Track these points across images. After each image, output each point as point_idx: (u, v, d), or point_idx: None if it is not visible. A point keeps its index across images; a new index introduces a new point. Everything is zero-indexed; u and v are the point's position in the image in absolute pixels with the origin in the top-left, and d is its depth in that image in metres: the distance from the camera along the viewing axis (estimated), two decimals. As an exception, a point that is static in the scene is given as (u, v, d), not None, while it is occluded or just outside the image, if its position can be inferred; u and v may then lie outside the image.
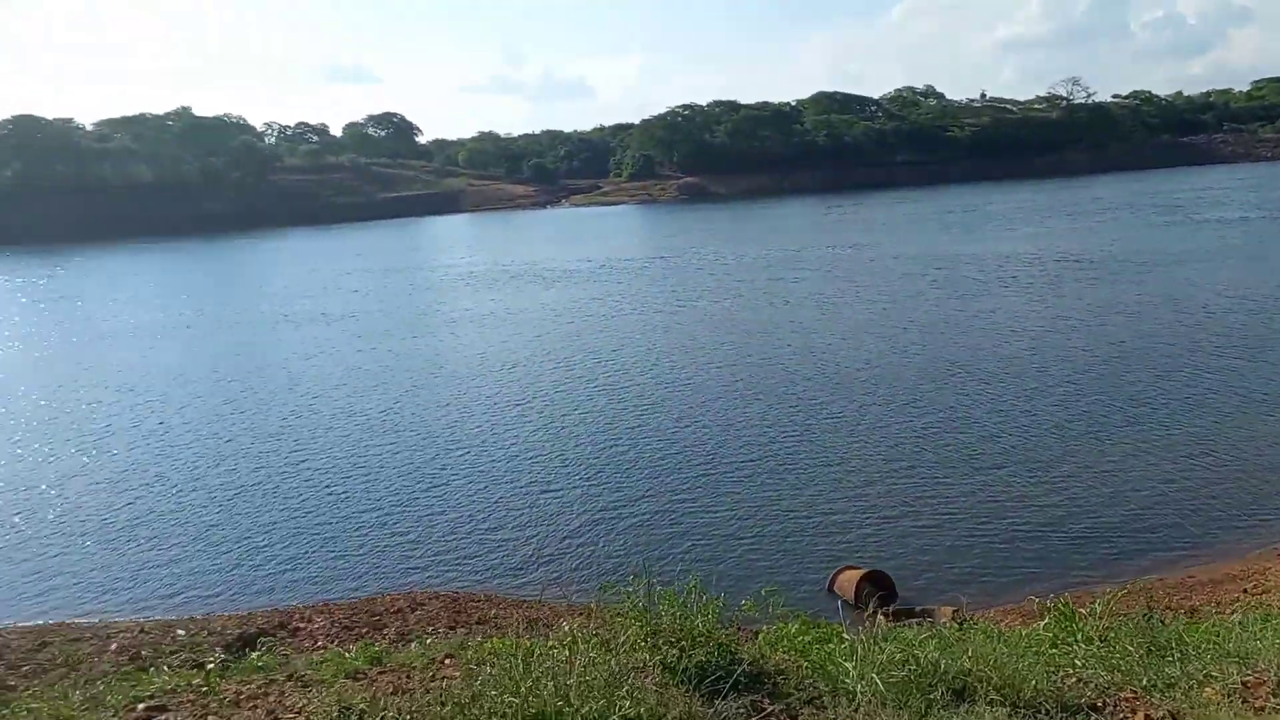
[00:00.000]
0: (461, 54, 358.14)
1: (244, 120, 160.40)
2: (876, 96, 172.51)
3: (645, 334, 38.85)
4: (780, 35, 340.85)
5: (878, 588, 14.51)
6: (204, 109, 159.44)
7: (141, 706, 8.64)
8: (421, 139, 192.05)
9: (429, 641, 10.88)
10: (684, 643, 7.14)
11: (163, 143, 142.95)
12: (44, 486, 22.83)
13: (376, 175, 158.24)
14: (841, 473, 20.83)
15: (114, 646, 12.12)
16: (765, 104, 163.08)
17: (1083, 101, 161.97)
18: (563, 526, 18.56)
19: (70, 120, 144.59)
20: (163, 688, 9.44)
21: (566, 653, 6.82)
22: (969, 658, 6.53)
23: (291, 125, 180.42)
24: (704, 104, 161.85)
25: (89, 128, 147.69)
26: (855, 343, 34.34)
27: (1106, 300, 39.45)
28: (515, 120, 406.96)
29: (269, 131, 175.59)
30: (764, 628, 10.84)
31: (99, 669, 10.20)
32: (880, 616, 12.22)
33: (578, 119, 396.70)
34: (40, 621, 14.88)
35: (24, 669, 11.03)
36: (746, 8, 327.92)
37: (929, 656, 6.39)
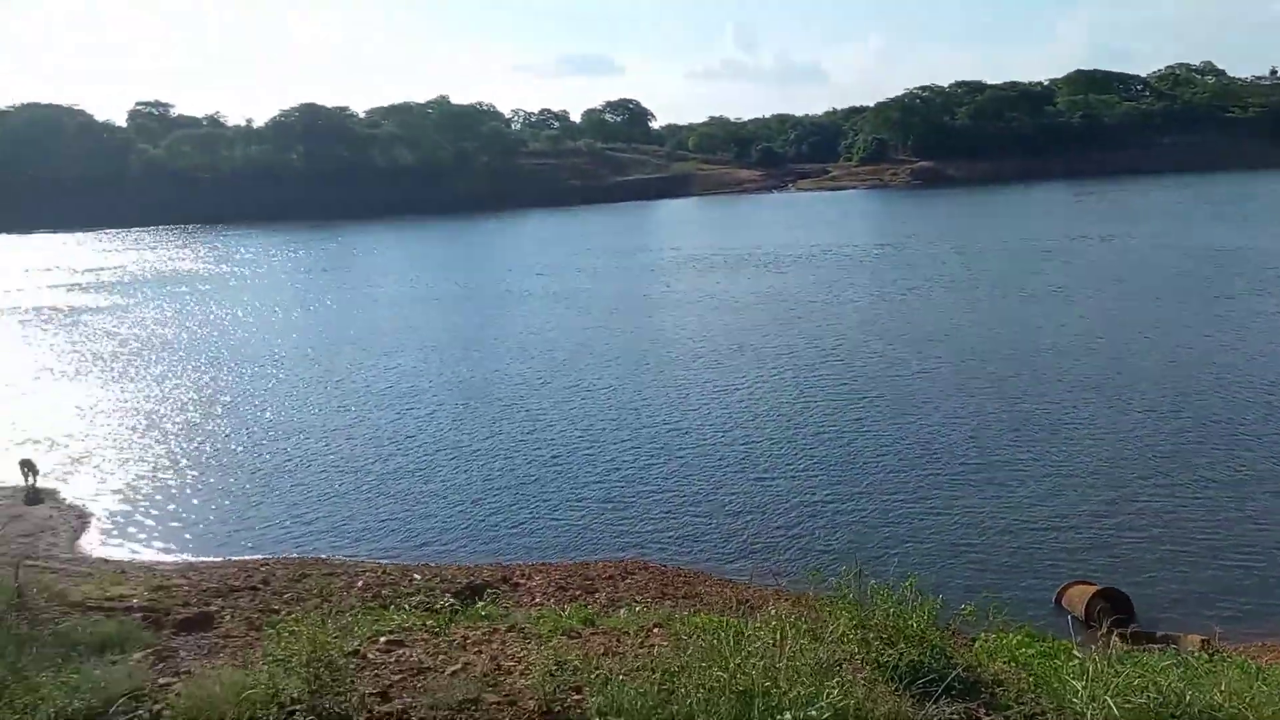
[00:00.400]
0: (696, 41, 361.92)
1: (494, 108, 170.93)
2: (1143, 75, 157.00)
3: (870, 323, 37.69)
4: (1034, 11, 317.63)
5: (1113, 606, 13.34)
6: (460, 99, 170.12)
7: (383, 639, 9.52)
8: (654, 124, 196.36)
9: (638, 609, 11.19)
10: (896, 640, 6.91)
11: (423, 129, 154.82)
12: (310, 437, 25.55)
13: (610, 159, 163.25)
14: (1081, 481, 19.30)
15: (360, 584, 13.43)
16: (1013, 84, 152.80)
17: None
18: (776, 513, 18.46)
19: (346, 108, 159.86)
20: (401, 625, 10.34)
21: (775, 636, 6.78)
22: (1221, 692, 5.88)
23: (536, 112, 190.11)
24: (944, 85, 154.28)
25: (361, 115, 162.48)
26: (1107, 343, 31.57)
27: None
28: (746, 105, 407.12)
29: (515, 118, 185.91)
30: (982, 635, 10.28)
31: (347, 602, 11.32)
32: (1115, 637, 11.23)
33: (809, 103, 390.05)
34: (299, 555, 16.78)
35: (286, 596, 12.45)
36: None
37: (1172, 686, 5.81)
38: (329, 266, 72.69)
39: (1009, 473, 19.99)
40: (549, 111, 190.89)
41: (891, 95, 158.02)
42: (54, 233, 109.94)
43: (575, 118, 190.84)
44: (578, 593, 12.91)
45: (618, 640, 9.41)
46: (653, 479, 20.80)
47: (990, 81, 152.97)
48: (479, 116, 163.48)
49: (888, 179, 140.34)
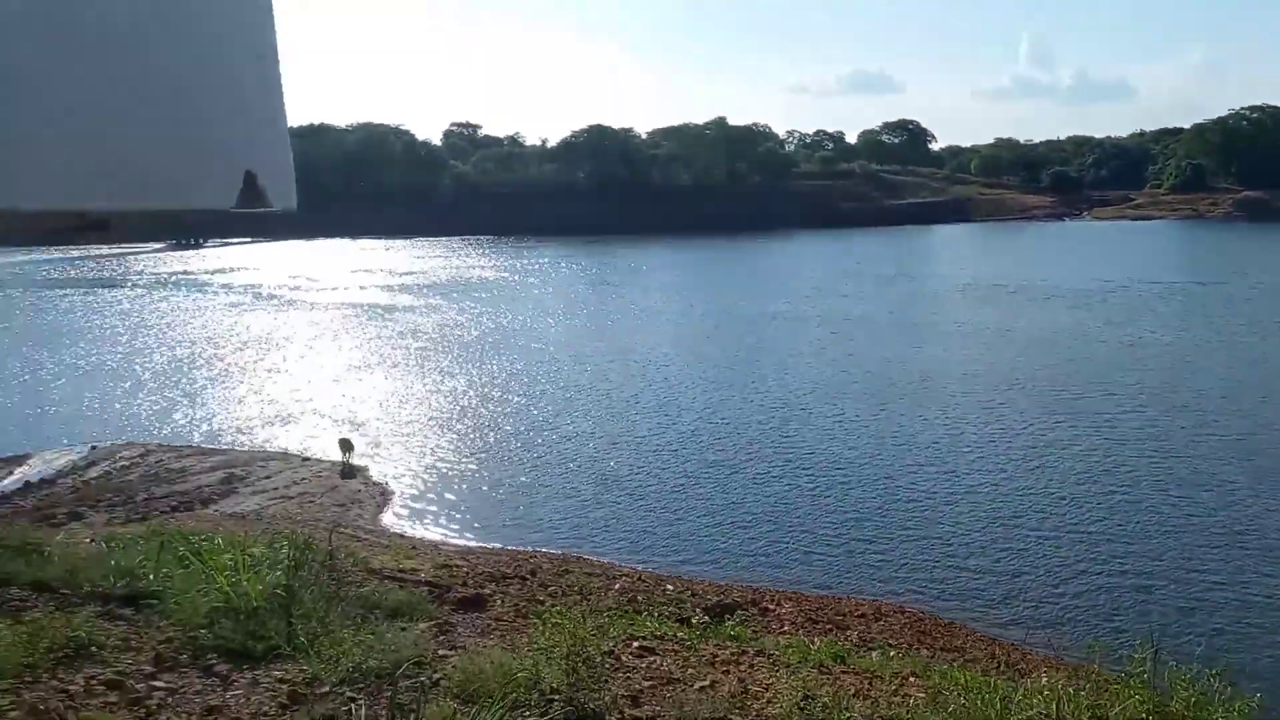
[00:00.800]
0: (985, 58, 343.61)
1: (769, 129, 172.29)
2: None
3: (1184, 369, 33.86)
4: None
5: None
6: (737, 120, 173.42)
7: (635, 645, 9.87)
8: (934, 145, 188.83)
9: (893, 654, 10.79)
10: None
11: (700, 149, 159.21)
12: (580, 441, 27.06)
13: (885, 181, 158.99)
14: None
15: (617, 586, 14.00)
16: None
17: None
18: (1057, 571, 17.00)
19: (630, 129, 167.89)
20: (653, 632, 10.67)
21: (1050, 707, 6.27)
22: None
23: (810, 133, 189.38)
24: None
25: (643, 136, 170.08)
26: None
27: None
28: (1037, 126, 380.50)
29: (790, 139, 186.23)
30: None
31: (604, 602, 11.85)
32: None
33: (1111, 124, 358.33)
34: (563, 552, 17.80)
35: (550, 588, 13.24)
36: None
37: None
38: (607, 280, 76.57)
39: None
40: (824, 132, 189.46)
41: (1213, 116, 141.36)
42: (377, 239, 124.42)
43: (851, 139, 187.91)
44: (828, 627, 12.65)
45: (870, 683, 9.13)
46: (914, 519, 19.94)
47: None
48: (754, 137, 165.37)
49: (1204, 210, 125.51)
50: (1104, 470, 22.69)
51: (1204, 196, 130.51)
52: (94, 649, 7.43)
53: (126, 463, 23.41)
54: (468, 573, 13.97)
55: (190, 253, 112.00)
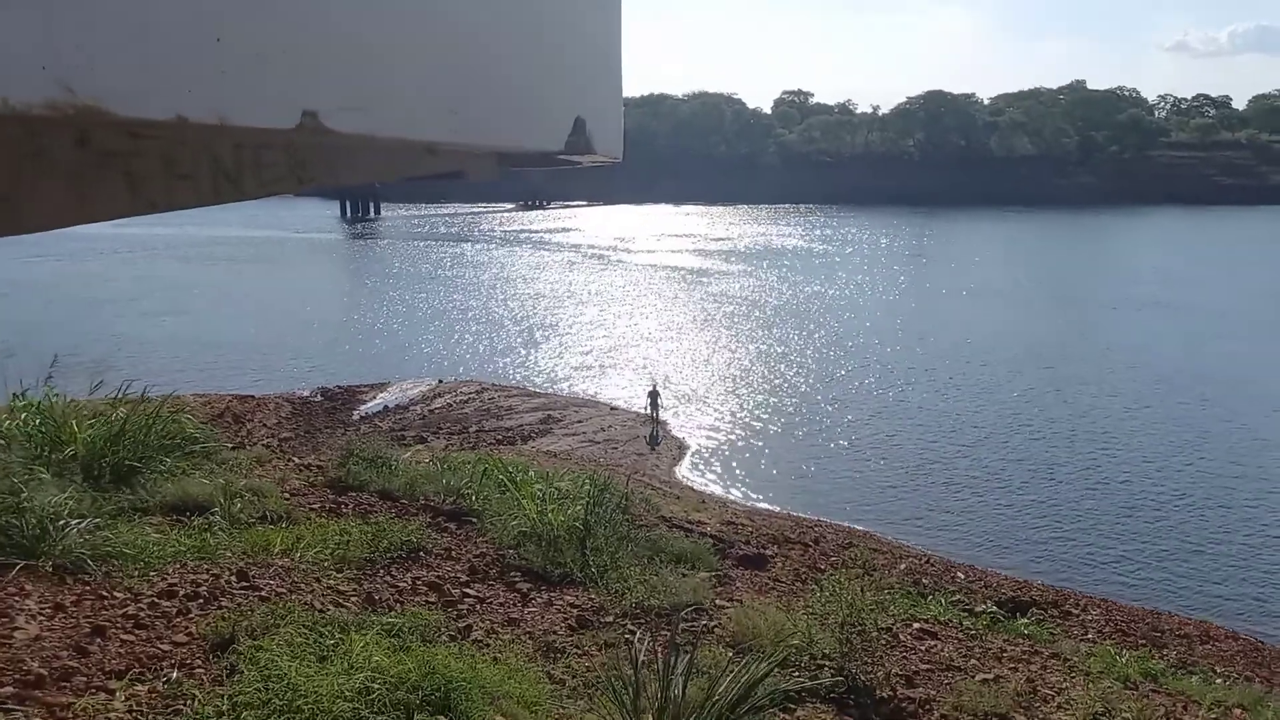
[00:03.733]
0: None
1: (1136, 93, 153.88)
2: None
3: None
4: None
5: None
6: (1099, 83, 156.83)
7: (916, 626, 9.52)
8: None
9: (1217, 682, 9.47)
10: None
11: (1049, 117, 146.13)
12: (880, 416, 26.37)
13: (1277, 155, 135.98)
14: None
15: (902, 566, 13.53)
16: None
17: None
18: None
19: (971, 95, 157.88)
20: (936, 617, 10.22)
21: None
22: None
23: (1189, 98, 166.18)
24: None
25: (986, 102, 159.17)
26: None
27: None
28: None
29: (1161, 104, 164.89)
30: None
31: (887, 580, 11.49)
32: None
33: None
34: (850, 525, 17.52)
35: (832, 559, 13.11)
36: None
37: None
38: (926, 252, 73.24)
39: None
40: (1205, 97, 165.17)
41: None
42: (701, 205, 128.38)
43: (1240, 105, 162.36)
44: (1141, 641, 11.33)
45: (1184, 708, 8.12)
46: (1264, 534, 17.26)
47: None
48: (1116, 103, 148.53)
49: None
50: None
51: None
52: (422, 554, 8.51)
53: (465, 397, 26.37)
54: (751, 531, 14.20)
55: (536, 213, 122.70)
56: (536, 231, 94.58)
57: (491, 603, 8.07)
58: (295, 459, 12.74)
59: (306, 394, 26.06)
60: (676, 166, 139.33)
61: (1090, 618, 12.47)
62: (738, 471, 21.66)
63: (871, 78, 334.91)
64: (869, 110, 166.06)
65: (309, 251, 76.44)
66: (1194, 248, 71.37)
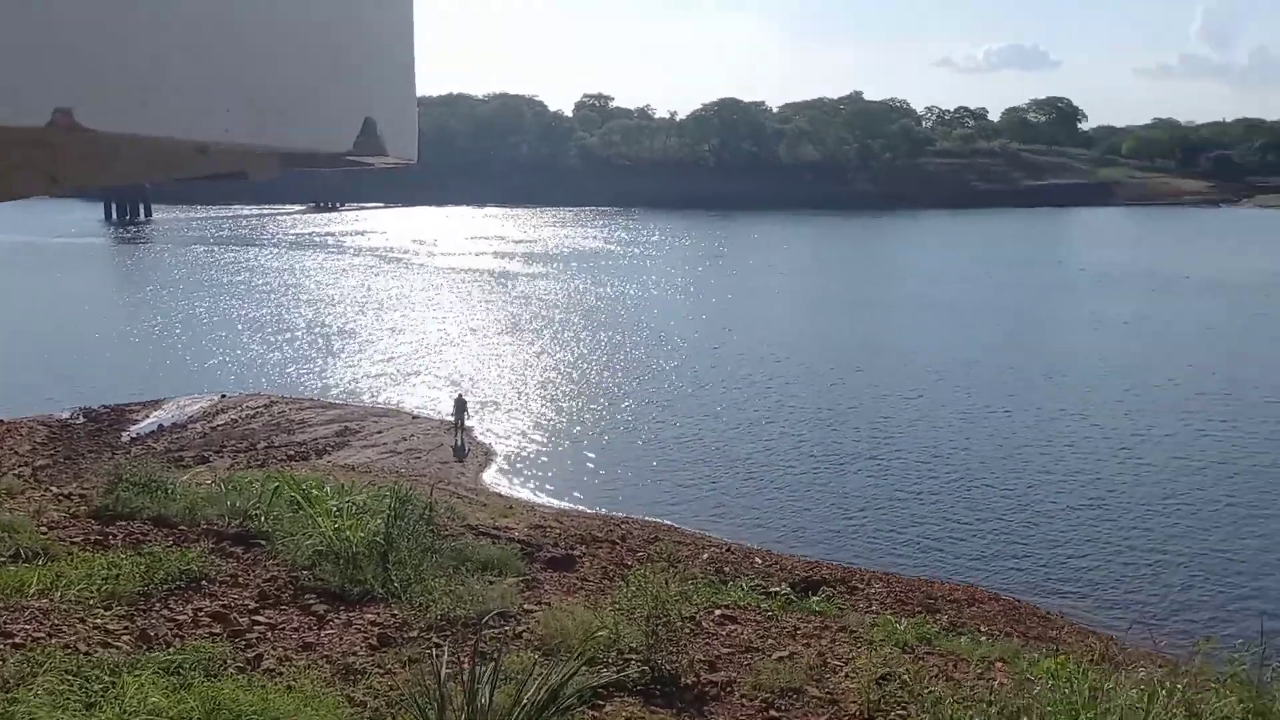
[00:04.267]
0: (1152, 34, 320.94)
1: (907, 104, 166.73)
2: None
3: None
4: None
5: None
6: (875, 95, 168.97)
7: (718, 613, 9.91)
8: (1084, 125, 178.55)
9: (982, 640, 10.47)
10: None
11: (831, 125, 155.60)
12: (680, 413, 27.22)
13: (1026, 162, 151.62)
14: None
15: (705, 556, 14.06)
16: None
17: None
18: (1164, 563, 16.24)
19: (761, 103, 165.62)
20: (736, 602, 10.67)
21: (1142, 700, 5.94)
22: None
23: (951, 110, 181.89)
24: None
25: (775, 110, 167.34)
26: None
27: None
28: (1205, 107, 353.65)
29: (928, 116, 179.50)
30: None
31: (691, 570, 11.90)
32: None
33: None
34: (655, 520, 17.99)
35: (638, 554, 13.41)
36: None
37: None
38: (723, 254, 76.15)
39: None
40: (965, 109, 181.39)
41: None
42: (503, 207, 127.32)
43: (994, 117, 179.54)
44: (917, 609, 12.36)
45: (954, 665, 8.91)
46: (1019, 508, 19.25)
47: None
48: (889, 114, 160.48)
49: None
50: (1227, 467, 21.28)
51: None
52: (204, 583, 7.96)
53: (251, 412, 24.85)
54: (560, 533, 14.28)
55: (328, 215, 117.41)
56: (330, 234, 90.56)
57: (284, 628, 7.69)
58: (53, 489, 11.62)
59: (66, 416, 23.72)
60: (477, 167, 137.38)
61: (874, 591, 13.44)
62: (546, 475, 21.71)
63: (669, 83, 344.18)
64: (667, 116, 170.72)
65: (68, 258, 69.36)
66: (959, 247, 78.28)
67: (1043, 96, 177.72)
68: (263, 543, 9.43)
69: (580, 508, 18.95)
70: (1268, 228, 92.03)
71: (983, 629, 11.47)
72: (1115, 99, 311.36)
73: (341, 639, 7.55)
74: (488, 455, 22.72)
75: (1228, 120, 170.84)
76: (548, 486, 20.85)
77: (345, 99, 1.22)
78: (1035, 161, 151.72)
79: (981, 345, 36.55)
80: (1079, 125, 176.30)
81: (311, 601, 8.21)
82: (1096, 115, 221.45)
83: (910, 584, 14.31)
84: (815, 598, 11.79)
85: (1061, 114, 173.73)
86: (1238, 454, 22.27)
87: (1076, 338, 38.25)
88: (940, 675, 8.33)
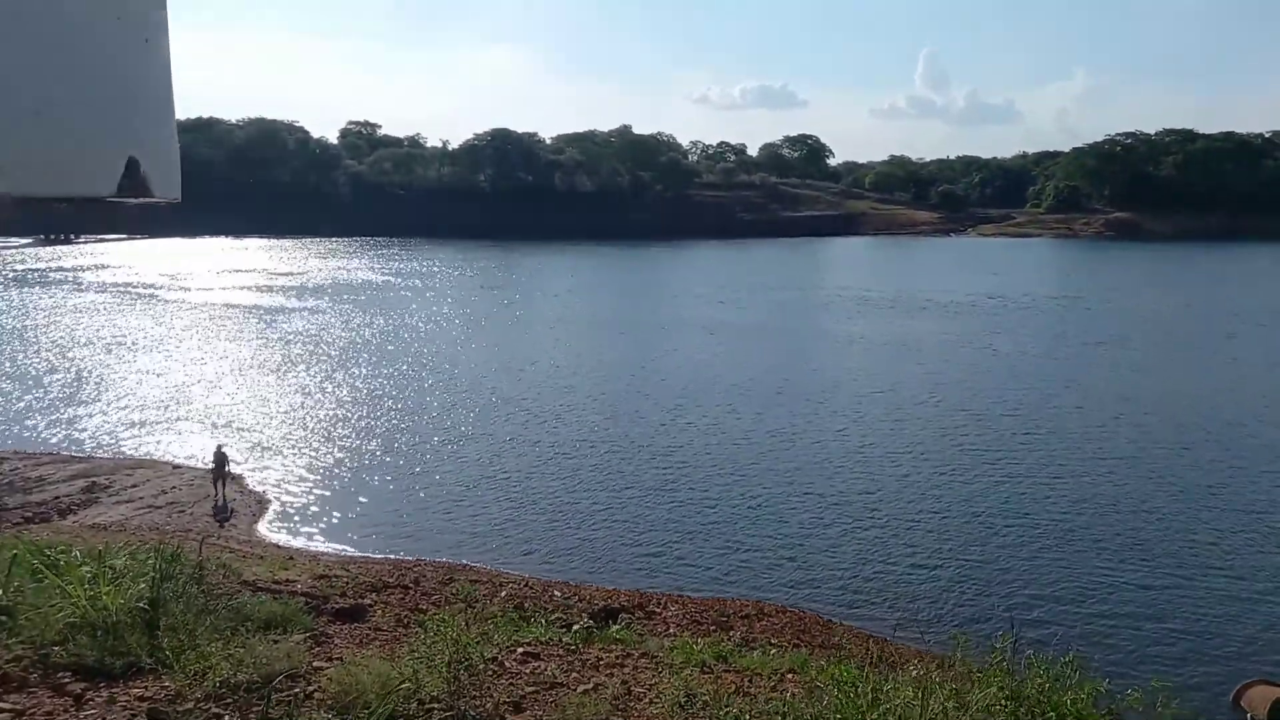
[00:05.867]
0: (883, 78, 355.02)
1: (673, 139, 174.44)
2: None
3: (1044, 377, 35.66)
4: (1264, 49, 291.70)
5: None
6: (643, 129, 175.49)
7: (520, 650, 9.77)
8: (832, 161, 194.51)
9: (773, 652, 10.99)
10: (1050, 718, 6.46)
11: (603, 157, 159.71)
12: (468, 447, 26.71)
13: (784, 194, 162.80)
14: (1271, 567, 17.46)
15: (503, 594, 13.84)
16: (1230, 134, 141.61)
17: None
18: (929, 568, 17.72)
19: (535, 134, 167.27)
20: (538, 638, 10.58)
21: (917, 696, 6.48)
22: None
23: (713, 145, 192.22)
24: (1151, 132, 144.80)
25: (548, 141, 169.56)
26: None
27: None
28: (930, 145, 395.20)
29: (693, 150, 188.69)
30: (1147, 727, 9.44)
31: (490, 609, 11.68)
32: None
33: (998, 146, 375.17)
34: (449, 560, 17.53)
35: (434, 597, 12.99)
36: (1224, 16, 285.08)
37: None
38: (502, 285, 75.90)
39: (1194, 548, 18.35)
40: (726, 144, 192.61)
41: (1090, 140, 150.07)
42: (266, 238, 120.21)
43: (753, 151, 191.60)
44: (712, 628, 12.80)
45: (750, 680, 9.27)
46: (798, 521, 20.43)
47: (1203, 130, 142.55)
48: (657, 147, 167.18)
49: (1078, 229, 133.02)
50: (974, 468, 23.71)
51: (1078, 217, 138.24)
52: (-76, 677, 6.89)
53: (-25, 471, 21.87)
54: (347, 583, 13.56)
55: (61, 249, 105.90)
56: (67, 270, 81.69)
57: (34, 714, 6.80)
58: None
59: None
60: (235, 197, 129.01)
61: (670, 614, 13.78)
62: (328, 521, 20.58)
63: (437, 112, 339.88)
64: (439, 144, 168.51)
65: None
66: (732, 274, 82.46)
67: (794, 134, 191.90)
68: (3, 619, 8.31)
69: (368, 553, 18.11)
70: (985, 255, 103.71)
71: (773, 641, 12.03)
72: (856, 136, 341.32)
73: (104, 719, 6.78)
74: (261, 504, 21.20)
75: (951, 157, 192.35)
76: (331, 534, 19.77)
77: (107, 141, 1.20)
78: (792, 194, 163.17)
79: (757, 367, 38.59)
80: (827, 160, 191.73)
81: (66, 680, 7.31)
82: (841, 151, 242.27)
83: (703, 604, 14.78)
84: (615, 626, 11.91)
85: (811, 150, 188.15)
86: (987, 467, 24.65)
87: (841, 357, 41.25)
88: (738, 691, 8.66)
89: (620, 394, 33.73)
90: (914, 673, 7.89)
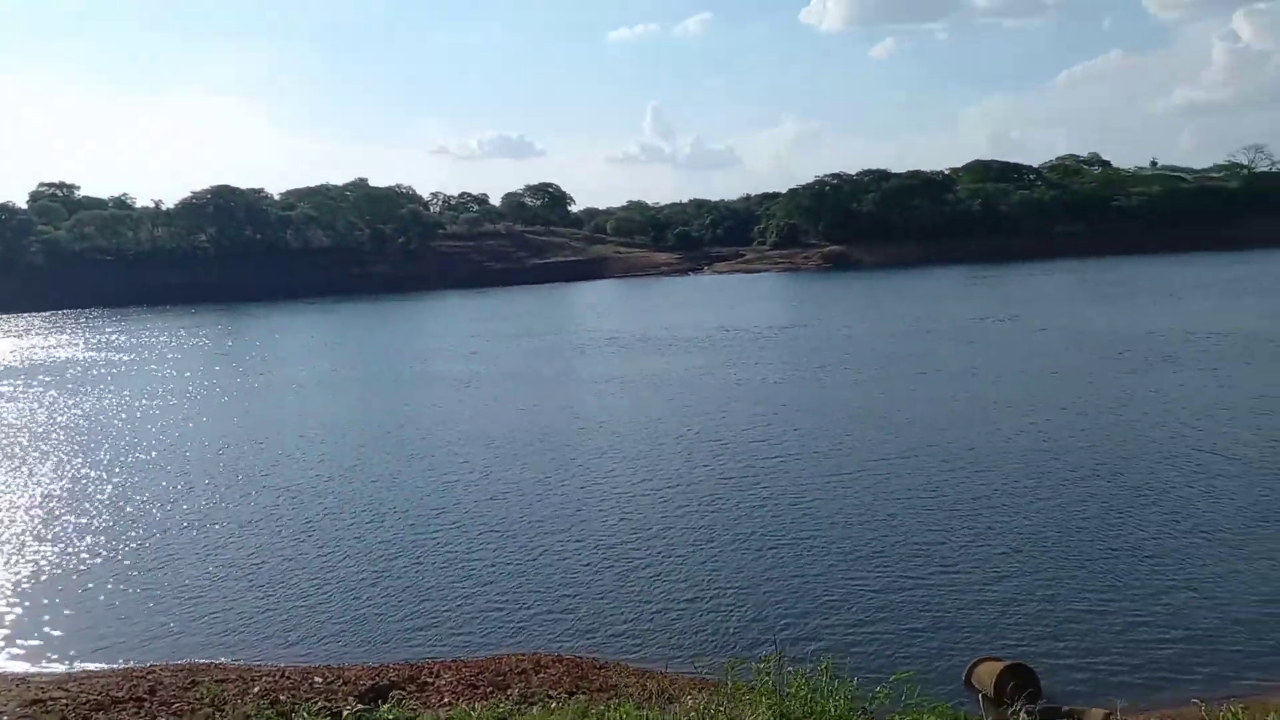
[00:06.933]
0: (616, 127, 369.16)
1: (413, 190, 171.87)
2: (1036, 165, 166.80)
3: (782, 402, 38.31)
4: (940, 103, 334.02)
5: (1021, 683, 13.53)
6: (380, 181, 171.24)
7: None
8: (574, 208, 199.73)
9: (552, 706, 10.86)
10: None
11: (339, 211, 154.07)
12: (201, 531, 24.45)
13: (529, 242, 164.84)
14: (983, 557, 19.72)
15: (256, 689, 12.67)
16: (916, 173, 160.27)
17: (1268, 170, 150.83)
18: (687, 597, 18.32)
19: (260, 190, 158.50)
20: (300, 733, 9.79)
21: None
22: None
23: (455, 195, 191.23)
24: (853, 173, 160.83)
25: (276, 197, 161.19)
26: (1015, 421, 32.60)
27: (1271, 382, 36.21)
28: (664, 189, 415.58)
29: (435, 201, 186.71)
30: (896, 717, 10.27)
31: (242, 710, 10.67)
32: (1024, 714, 11.37)
33: (725, 188, 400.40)
34: (190, 661, 15.82)
35: (174, 706, 11.67)
36: (907, 75, 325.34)
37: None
38: (235, 350, 70.85)
39: (926, 548, 20.29)
40: (468, 194, 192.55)
41: (803, 182, 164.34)
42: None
43: (495, 201, 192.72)
44: (489, 689, 12.44)
45: (530, 740, 9.10)
46: (569, 568, 20.47)
47: (895, 170, 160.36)
48: (397, 199, 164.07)
49: (800, 263, 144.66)
50: (726, 499, 24.92)
51: (799, 251, 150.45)
52: None
53: None
54: (68, 705, 11.91)
55: None
56: None
57: None
58: None
59: None
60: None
61: (444, 682, 13.24)
62: (38, 635, 17.92)
63: (147, 171, 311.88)
64: (151, 204, 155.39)
65: None
66: (477, 325, 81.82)
67: (535, 182, 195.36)
68: None
69: (91, 666, 15.93)
70: (722, 291, 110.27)
71: (551, 694, 11.88)
72: (595, 183, 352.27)
73: None
74: (-51, 627, 18.14)
75: (684, 200, 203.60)
76: (43, 650, 17.19)
77: None
78: (537, 242, 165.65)
79: (516, 416, 38.42)
80: (569, 208, 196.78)
81: None
82: (582, 198, 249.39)
83: (479, 665, 14.33)
84: (386, 705, 11.29)
85: (552, 198, 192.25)
86: (742, 493, 25.87)
87: (598, 399, 41.97)
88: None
89: (373, 457, 32.33)
90: (690, 703, 8.10)
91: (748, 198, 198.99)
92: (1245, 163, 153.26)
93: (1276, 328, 50.80)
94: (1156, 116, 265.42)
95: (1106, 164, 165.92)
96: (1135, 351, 45.74)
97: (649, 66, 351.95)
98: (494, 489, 27.21)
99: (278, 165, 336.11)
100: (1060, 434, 30.14)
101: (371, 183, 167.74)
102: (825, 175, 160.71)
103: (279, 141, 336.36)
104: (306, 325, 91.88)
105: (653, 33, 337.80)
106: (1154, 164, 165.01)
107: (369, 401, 44.74)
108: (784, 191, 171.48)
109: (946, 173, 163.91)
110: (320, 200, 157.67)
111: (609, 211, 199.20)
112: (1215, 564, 18.76)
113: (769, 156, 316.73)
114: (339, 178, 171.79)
